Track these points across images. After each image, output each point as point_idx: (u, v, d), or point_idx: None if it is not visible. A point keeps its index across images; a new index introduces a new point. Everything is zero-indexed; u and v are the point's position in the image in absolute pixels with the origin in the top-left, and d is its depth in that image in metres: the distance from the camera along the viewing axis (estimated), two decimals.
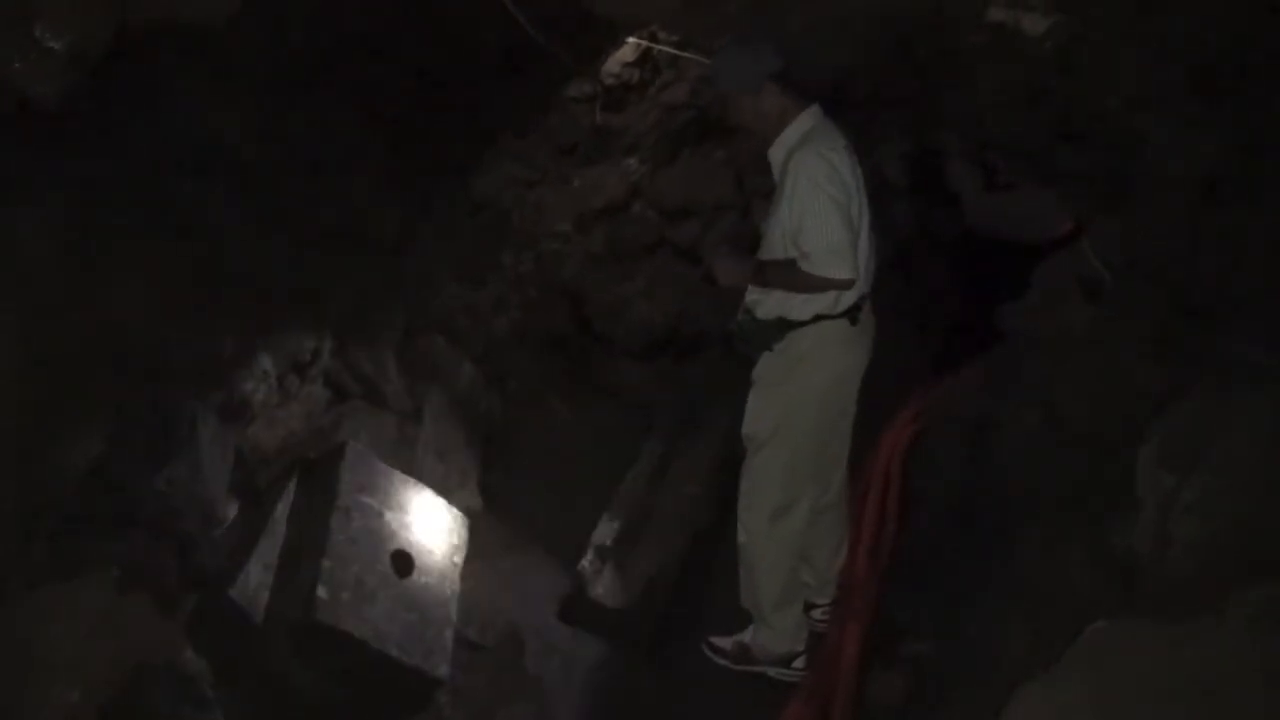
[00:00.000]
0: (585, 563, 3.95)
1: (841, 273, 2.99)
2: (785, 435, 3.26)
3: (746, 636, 3.54)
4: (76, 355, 2.94)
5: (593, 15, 3.53)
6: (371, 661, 3.14)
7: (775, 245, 3.15)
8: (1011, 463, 3.65)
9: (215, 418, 3.41)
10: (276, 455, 3.73)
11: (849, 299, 3.14)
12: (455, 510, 3.75)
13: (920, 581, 3.63)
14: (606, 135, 5.56)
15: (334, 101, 3.72)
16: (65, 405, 2.91)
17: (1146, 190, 3.08)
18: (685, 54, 5.17)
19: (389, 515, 3.45)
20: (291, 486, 3.46)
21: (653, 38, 5.27)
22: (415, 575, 3.39)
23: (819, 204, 2.99)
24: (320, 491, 3.38)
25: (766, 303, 3.20)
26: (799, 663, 3.49)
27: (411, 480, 3.67)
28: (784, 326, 3.18)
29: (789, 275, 3.08)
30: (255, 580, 3.18)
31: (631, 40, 5.28)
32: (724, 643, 3.57)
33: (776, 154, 3.18)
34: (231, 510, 3.41)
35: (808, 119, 3.14)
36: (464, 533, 3.71)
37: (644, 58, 5.54)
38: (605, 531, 4.09)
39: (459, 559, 3.61)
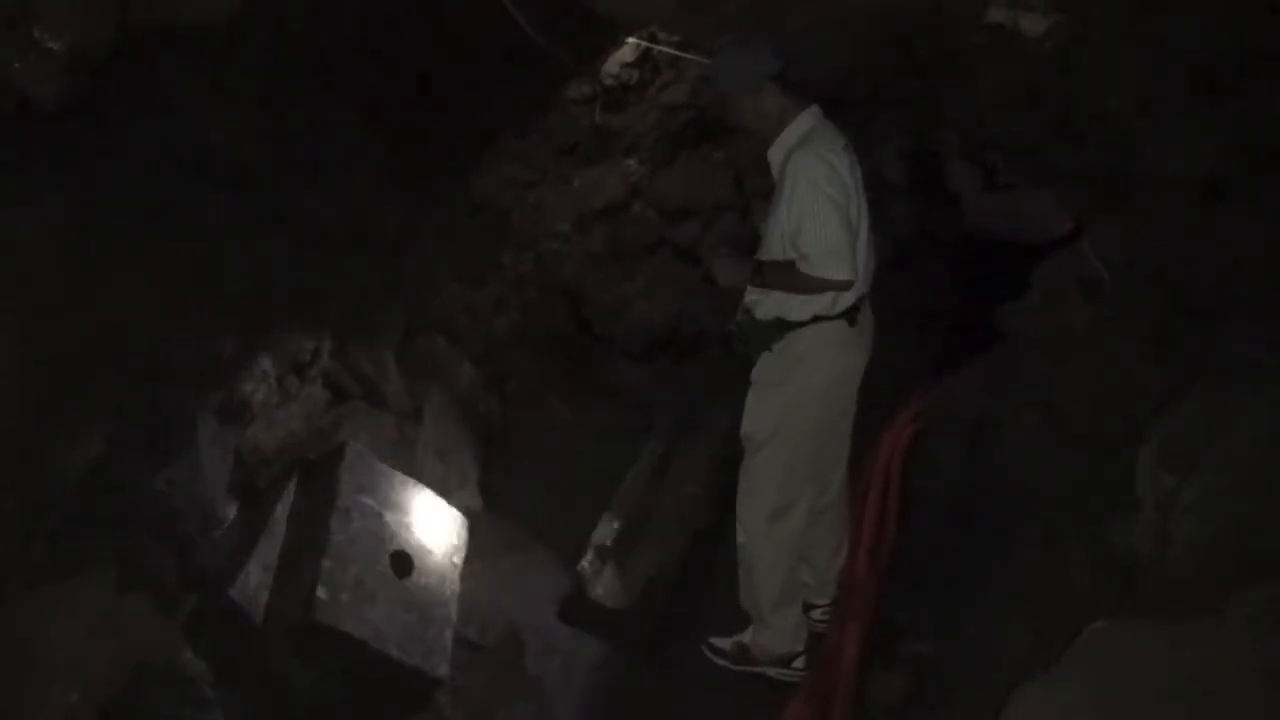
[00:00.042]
0: (585, 563, 3.95)
1: (840, 274, 2.99)
2: (784, 436, 3.26)
3: (746, 637, 3.54)
4: (76, 355, 2.93)
5: (593, 15, 3.53)
6: (371, 662, 3.14)
7: (774, 246, 3.15)
8: (1011, 463, 3.65)
9: (215, 418, 3.41)
10: (276, 456, 3.73)
11: (847, 300, 3.14)
12: (455, 510, 3.75)
13: (920, 581, 3.63)
14: (606, 135, 5.57)
15: (334, 101, 3.72)
16: (65, 405, 2.91)
17: (1146, 190, 3.08)
18: (685, 54, 5.18)
19: (389, 516, 3.45)
20: (291, 487, 3.46)
21: (652, 38, 5.27)
22: (415, 575, 3.39)
23: (817, 205, 2.99)
24: (320, 492, 3.39)
25: (765, 303, 3.20)
26: (799, 663, 3.49)
27: (411, 481, 3.67)
28: (782, 327, 3.18)
29: (787, 276, 3.08)
30: (255, 580, 3.18)
31: (631, 41, 5.29)
32: (723, 643, 3.57)
33: (776, 154, 3.18)
34: (231, 510, 3.41)
35: (807, 119, 3.14)
36: (464, 533, 3.71)
37: (644, 58, 5.54)
38: (605, 531, 4.10)
39: (458, 559, 3.61)
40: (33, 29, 2.49)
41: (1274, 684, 1.80)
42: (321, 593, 3.08)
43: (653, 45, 5.35)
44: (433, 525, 3.59)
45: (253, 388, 3.65)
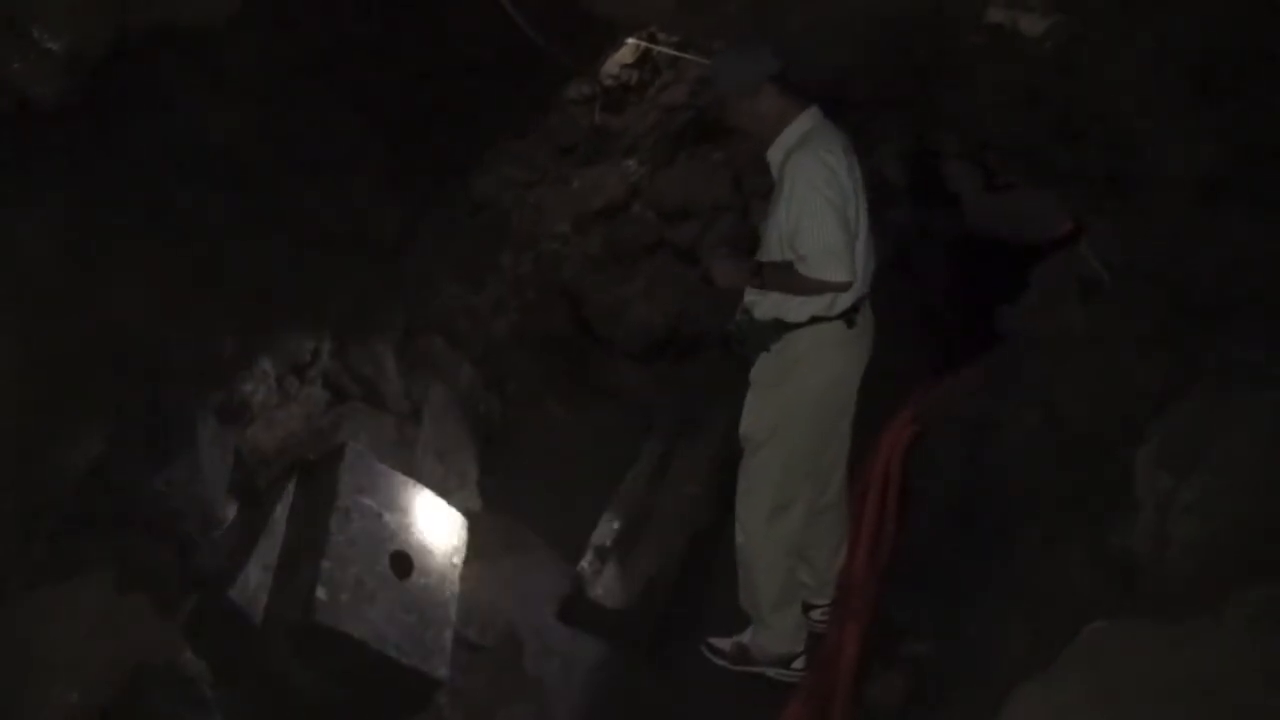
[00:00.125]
0: (585, 563, 3.95)
1: (838, 275, 2.99)
2: (782, 436, 3.26)
3: (745, 637, 3.54)
4: (76, 355, 2.93)
5: (592, 16, 3.52)
6: (371, 662, 3.14)
7: (773, 247, 3.15)
8: (1011, 463, 3.65)
9: (215, 418, 3.41)
10: (276, 456, 3.73)
11: (845, 301, 3.14)
12: (455, 511, 3.75)
13: (920, 581, 3.63)
14: (606, 136, 5.57)
15: (334, 101, 3.72)
16: (65, 405, 2.91)
17: (1146, 190, 3.07)
18: (684, 55, 5.18)
19: (388, 516, 3.45)
20: (291, 487, 3.46)
21: (652, 39, 5.27)
22: (414, 576, 3.39)
23: (816, 206, 2.99)
24: (320, 493, 3.38)
25: (763, 304, 3.20)
26: (798, 663, 3.49)
27: (411, 481, 3.67)
28: (780, 328, 3.18)
29: (786, 277, 3.08)
30: (255, 581, 3.18)
31: (631, 41, 5.29)
32: (723, 643, 3.57)
33: (775, 155, 3.18)
34: (231, 511, 3.41)
35: (806, 120, 3.14)
36: (463, 534, 3.71)
37: (643, 59, 5.54)
38: (605, 531, 4.09)
39: (458, 560, 3.61)
40: (32, 29, 2.48)
41: (1274, 684, 1.80)
42: (321, 593, 3.08)
43: (652, 46, 5.35)
44: (432, 526, 3.59)
45: (253, 388, 3.65)
